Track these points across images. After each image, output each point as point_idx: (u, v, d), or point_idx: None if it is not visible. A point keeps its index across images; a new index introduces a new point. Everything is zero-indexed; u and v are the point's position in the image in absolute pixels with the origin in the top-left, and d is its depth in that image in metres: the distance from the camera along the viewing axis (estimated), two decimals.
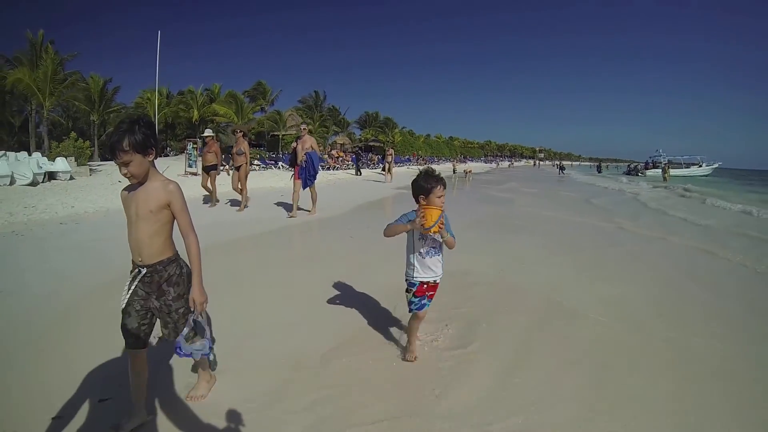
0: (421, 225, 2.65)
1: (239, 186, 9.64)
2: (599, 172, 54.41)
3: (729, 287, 5.23)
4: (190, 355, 2.29)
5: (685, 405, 2.56)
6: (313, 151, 8.88)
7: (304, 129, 9.14)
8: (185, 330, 2.24)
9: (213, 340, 2.35)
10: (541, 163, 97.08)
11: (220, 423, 2.31)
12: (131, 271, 2.21)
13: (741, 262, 6.38)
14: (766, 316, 4.18)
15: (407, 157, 49.74)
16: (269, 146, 38.61)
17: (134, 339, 2.21)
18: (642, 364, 3.07)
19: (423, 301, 2.90)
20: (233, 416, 2.35)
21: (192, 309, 2.24)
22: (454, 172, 31.84)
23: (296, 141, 9.09)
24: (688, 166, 57.46)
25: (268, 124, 39.44)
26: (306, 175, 8.86)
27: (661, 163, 50.83)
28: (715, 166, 59.75)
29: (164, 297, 2.21)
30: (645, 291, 4.83)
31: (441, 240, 2.78)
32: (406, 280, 2.96)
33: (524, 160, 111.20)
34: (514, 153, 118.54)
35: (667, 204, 15.49)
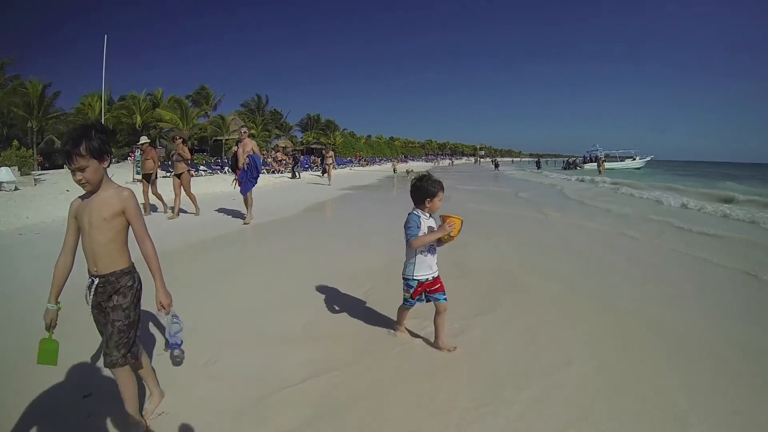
0: (449, 235, 2.97)
1: (180, 193, 9.38)
2: (538, 167, 55.58)
3: (635, 258, 6.62)
4: (179, 345, 2.39)
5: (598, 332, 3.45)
6: (255, 154, 8.74)
7: (245, 132, 9.09)
8: (171, 328, 2.33)
9: (181, 341, 2.39)
10: (482, 160, 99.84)
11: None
12: (87, 283, 2.16)
13: (645, 240, 7.90)
14: (661, 275, 5.64)
15: (349, 158, 50.68)
16: (212, 151, 38.13)
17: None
18: (571, 308, 4.20)
19: (415, 301, 3.19)
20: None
21: (159, 310, 2.24)
22: (394, 172, 33.14)
23: (237, 145, 8.98)
24: (623, 159, 59.22)
25: (211, 129, 38.90)
26: (247, 178, 8.70)
27: (597, 157, 52.49)
28: (648, 159, 62.92)
29: (108, 306, 2.14)
30: (573, 262, 6.23)
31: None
32: (405, 278, 3.19)
33: (465, 158, 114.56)
34: (455, 151, 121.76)
35: (586, 195, 17.20)
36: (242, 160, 8.64)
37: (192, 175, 10.02)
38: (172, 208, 9.41)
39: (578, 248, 7.33)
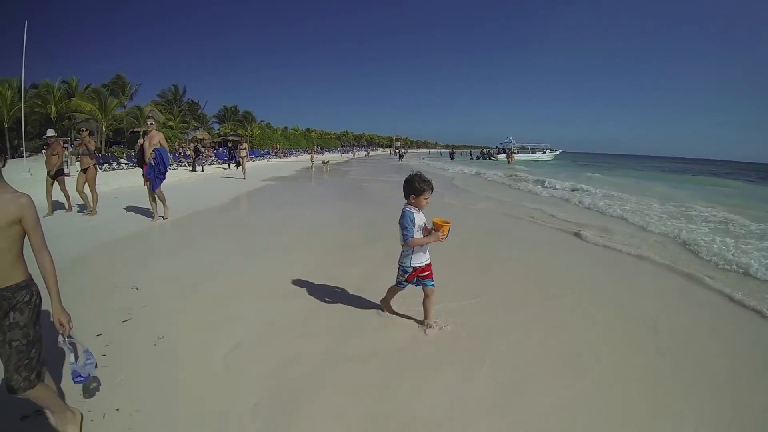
0: (442, 238, 3.27)
1: (85, 190, 8.61)
2: (452, 158, 56.66)
3: (506, 230, 8.26)
4: (87, 377, 2.19)
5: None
6: (162, 148, 8.15)
7: (151, 124, 8.34)
8: (72, 357, 2.14)
9: (88, 375, 2.22)
10: (398, 151, 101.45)
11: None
12: None
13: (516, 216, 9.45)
14: (523, 243, 7.00)
15: (266, 150, 49.67)
16: (129, 143, 35.40)
17: None
18: (461, 263, 5.21)
19: (409, 283, 3.47)
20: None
21: (60, 331, 2.06)
22: (311, 163, 33.06)
23: (143, 137, 8.31)
24: (534, 151, 61.64)
25: (128, 121, 36.05)
26: (155, 174, 8.12)
27: (509, 148, 55.00)
28: (558, 152, 66.69)
29: (4, 321, 1.94)
30: (468, 232, 7.52)
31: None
32: (401, 265, 3.46)
33: (381, 149, 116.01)
34: (371, 143, 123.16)
35: (471, 183, 19.16)
36: (149, 154, 8.05)
37: (97, 171, 9.19)
38: (83, 206, 8.82)
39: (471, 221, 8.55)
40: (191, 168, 24.03)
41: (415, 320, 3.64)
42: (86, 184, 8.62)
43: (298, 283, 4.60)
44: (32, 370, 1.97)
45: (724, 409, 2.57)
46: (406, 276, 3.45)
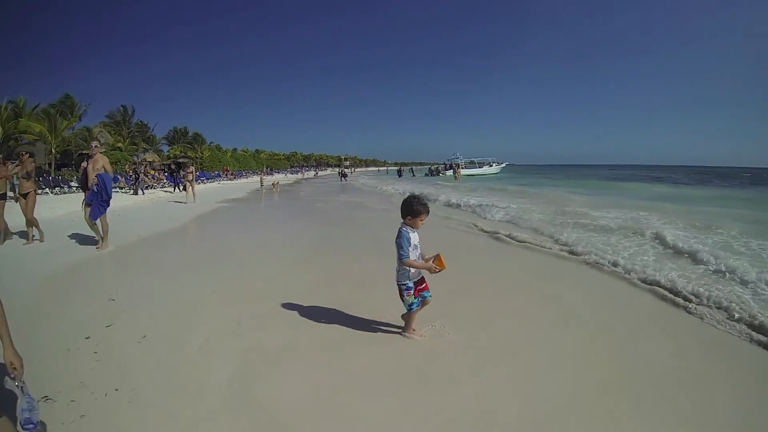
0: (436, 270, 3.46)
1: (30, 216, 8.16)
2: (399, 176, 57.91)
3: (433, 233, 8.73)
4: (37, 424, 2.03)
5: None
6: (106, 174, 7.70)
7: (96, 147, 7.87)
8: (24, 402, 1.98)
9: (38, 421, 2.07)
10: (347, 170, 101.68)
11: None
12: None
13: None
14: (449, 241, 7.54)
15: (217, 172, 49.22)
16: (77, 166, 34.20)
17: None
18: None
19: (417, 300, 3.61)
20: None
21: (12, 375, 1.95)
22: (261, 185, 33.31)
23: (87, 161, 7.87)
24: (481, 165, 62.92)
25: (76, 142, 34.63)
26: (98, 201, 7.64)
27: (456, 164, 56.96)
28: (503, 165, 68.19)
29: None
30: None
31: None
32: (402, 284, 3.57)
33: (329, 168, 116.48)
34: (321, 162, 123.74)
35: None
36: (92, 179, 7.62)
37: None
38: (26, 233, 8.29)
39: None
40: (133, 192, 23.13)
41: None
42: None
43: (259, 290, 5.30)
44: None
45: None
46: (412, 293, 3.58)
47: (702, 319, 4.35)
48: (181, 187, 24.30)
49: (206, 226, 12.09)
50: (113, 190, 8.27)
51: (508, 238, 8.85)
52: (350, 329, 4.03)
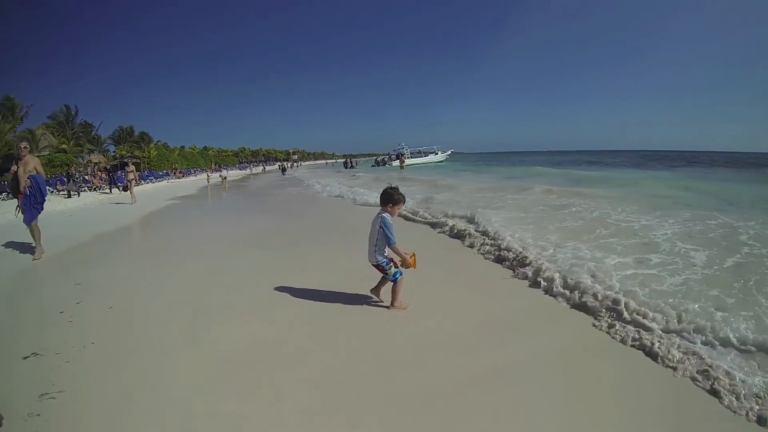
0: (408, 266, 4.12)
1: None
2: (346, 167, 58.43)
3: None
4: None
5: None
6: (38, 175, 7.52)
7: (25, 148, 7.64)
8: None
9: None
10: (296, 164, 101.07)
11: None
12: None
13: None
14: None
15: (165, 171, 48.00)
16: None
17: None
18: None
19: (399, 269, 4.16)
20: None
21: None
22: (208, 182, 32.76)
23: (16, 163, 7.56)
24: (426, 154, 63.70)
25: (17, 145, 32.83)
26: (31, 203, 7.44)
27: (401, 154, 57.56)
28: (448, 153, 69.10)
29: None
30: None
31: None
32: (381, 263, 4.10)
33: (278, 163, 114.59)
34: (269, 157, 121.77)
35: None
36: (23, 183, 7.41)
37: None
38: None
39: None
40: (66, 195, 21.83)
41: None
42: None
43: (207, 270, 6.24)
44: None
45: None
46: (392, 265, 4.15)
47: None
48: (121, 188, 23.82)
49: (156, 222, 12.66)
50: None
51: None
52: (279, 291, 5.06)
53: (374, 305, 4.48)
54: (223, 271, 6.16)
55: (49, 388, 3.03)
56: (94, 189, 25.43)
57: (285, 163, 62.29)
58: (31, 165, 7.53)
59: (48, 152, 35.39)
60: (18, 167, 7.47)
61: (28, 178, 7.43)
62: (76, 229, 10.69)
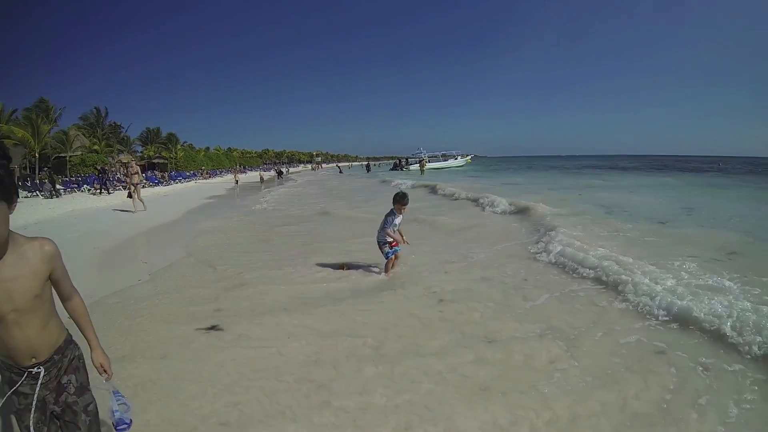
0: (403, 241, 5.59)
1: None
2: (368, 170, 58.34)
3: None
4: (130, 423, 1.84)
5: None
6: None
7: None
8: (114, 403, 1.79)
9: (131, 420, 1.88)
10: (319, 166, 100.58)
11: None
12: (12, 380, 1.53)
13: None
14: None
15: (192, 171, 48.74)
16: (56, 169, 33.46)
17: None
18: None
19: (391, 251, 5.52)
20: None
21: (104, 377, 1.77)
22: (236, 183, 33.11)
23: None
24: (446, 159, 61.96)
25: (52, 145, 34.79)
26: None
27: (421, 158, 55.49)
28: (469, 157, 67.36)
29: (65, 393, 1.61)
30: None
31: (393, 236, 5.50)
32: (380, 241, 5.57)
33: (301, 165, 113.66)
34: (293, 159, 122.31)
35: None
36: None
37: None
38: None
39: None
40: (47, 196, 19.52)
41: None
42: None
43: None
44: None
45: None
46: (386, 247, 5.55)
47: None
48: (127, 193, 17.24)
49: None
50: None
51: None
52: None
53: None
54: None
55: None
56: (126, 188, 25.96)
57: (281, 168, 62.72)
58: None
59: (81, 152, 36.84)
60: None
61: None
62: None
